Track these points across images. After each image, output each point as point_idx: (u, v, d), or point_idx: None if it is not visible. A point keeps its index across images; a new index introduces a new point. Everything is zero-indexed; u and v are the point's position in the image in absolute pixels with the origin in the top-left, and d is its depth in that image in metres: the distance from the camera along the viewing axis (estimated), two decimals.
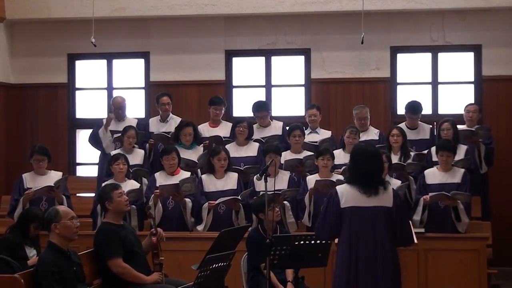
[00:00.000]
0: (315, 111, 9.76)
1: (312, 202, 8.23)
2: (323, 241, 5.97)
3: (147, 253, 6.72)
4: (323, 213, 5.71)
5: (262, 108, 9.70)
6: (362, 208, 5.54)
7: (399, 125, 9.37)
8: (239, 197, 8.27)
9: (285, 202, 8.32)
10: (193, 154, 9.15)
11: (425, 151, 9.17)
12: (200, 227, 8.34)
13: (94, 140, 9.94)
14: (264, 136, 9.55)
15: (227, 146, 8.92)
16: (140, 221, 8.44)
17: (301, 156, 8.98)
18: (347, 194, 5.59)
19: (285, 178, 8.61)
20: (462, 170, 8.43)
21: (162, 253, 6.65)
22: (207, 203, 8.32)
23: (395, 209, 5.58)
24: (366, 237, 5.53)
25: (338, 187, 5.74)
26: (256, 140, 9.37)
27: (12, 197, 8.68)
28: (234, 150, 9.01)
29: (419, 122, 9.71)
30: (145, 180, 9.05)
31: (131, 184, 8.50)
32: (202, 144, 9.37)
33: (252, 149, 9.20)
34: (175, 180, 8.42)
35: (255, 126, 9.55)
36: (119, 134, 9.44)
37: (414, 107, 9.62)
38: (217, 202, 8.28)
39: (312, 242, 6.04)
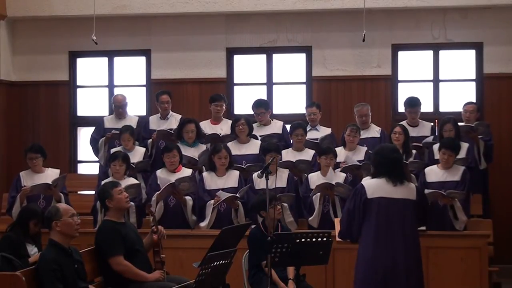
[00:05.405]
0: (315, 109, 9.75)
1: (321, 203, 8.23)
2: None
3: (148, 251, 6.71)
4: (348, 214, 5.80)
5: (260, 105, 9.70)
6: (391, 199, 5.70)
7: (401, 122, 9.34)
8: (237, 195, 8.25)
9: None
10: (196, 152, 9.13)
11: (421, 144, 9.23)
12: (203, 224, 8.33)
13: (93, 145, 9.94)
14: (263, 134, 9.51)
15: (228, 144, 8.91)
16: (138, 219, 8.43)
17: (302, 154, 8.97)
18: (374, 186, 5.75)
19: (284, 176, 8.59)
20: (462, 168, 8.41)
21: (163, 251, 6.66)
22: (212, 200, 8.29)
23: (419, 202, 5.81)
24: (396, 230, 5.67)
25: (363, 181, 5.94)
26: (254, 136, 9.35)
27: (9, 195, 8.67)
28: (235, 148, 8.99)
29: (419, 120, 9.72)
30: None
31: (131, 182, 8.48)
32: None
33: (253, 147, 9.17)
34: (176, 177, 8.40)
35: (255, 124, 9.51)
36: (117, 132, 9.43)
37: (412, 100, 9.71)
38: (221, 199, 8.24)
39: (314, 240, 6.05)
